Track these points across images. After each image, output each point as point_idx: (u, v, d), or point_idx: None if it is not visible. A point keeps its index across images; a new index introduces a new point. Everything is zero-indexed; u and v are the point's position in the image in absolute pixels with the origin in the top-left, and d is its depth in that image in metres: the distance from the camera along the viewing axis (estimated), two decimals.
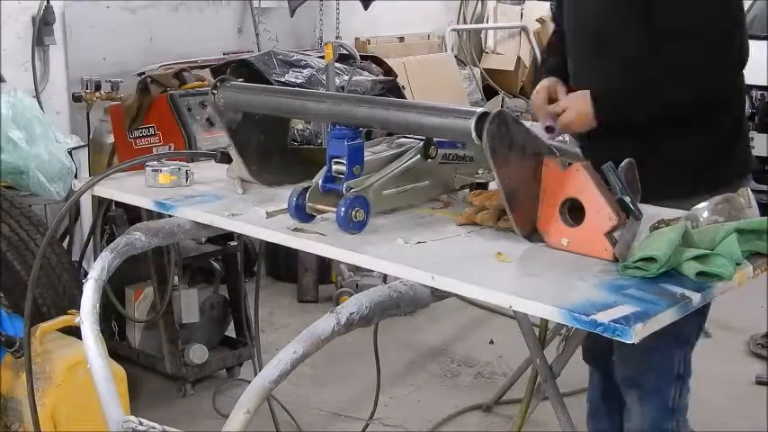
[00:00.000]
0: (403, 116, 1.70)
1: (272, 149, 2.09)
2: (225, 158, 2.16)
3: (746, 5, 7.44)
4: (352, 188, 1.71)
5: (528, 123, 1.94)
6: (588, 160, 1.64)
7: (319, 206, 1.74)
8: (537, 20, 8.44)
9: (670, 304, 1.35)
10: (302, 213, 1.74)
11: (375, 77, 3.66)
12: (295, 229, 1.73)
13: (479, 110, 1.55)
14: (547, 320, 2.61)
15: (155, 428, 1.55)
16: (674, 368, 2.17)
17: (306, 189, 1.74)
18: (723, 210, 1.61)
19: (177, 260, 3.41)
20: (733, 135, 2.17)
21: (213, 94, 2.00)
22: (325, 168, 1.77)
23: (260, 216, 1.82)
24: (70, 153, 3.83)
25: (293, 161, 2.12)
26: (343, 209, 1.66)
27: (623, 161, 1.59)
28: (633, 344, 2.13)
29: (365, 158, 1.77)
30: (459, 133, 1.61)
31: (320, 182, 1.75)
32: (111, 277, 1.90)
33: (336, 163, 1.75)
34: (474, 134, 1.56)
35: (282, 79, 3.32)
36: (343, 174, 1.74)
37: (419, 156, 1.83)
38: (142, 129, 3.54)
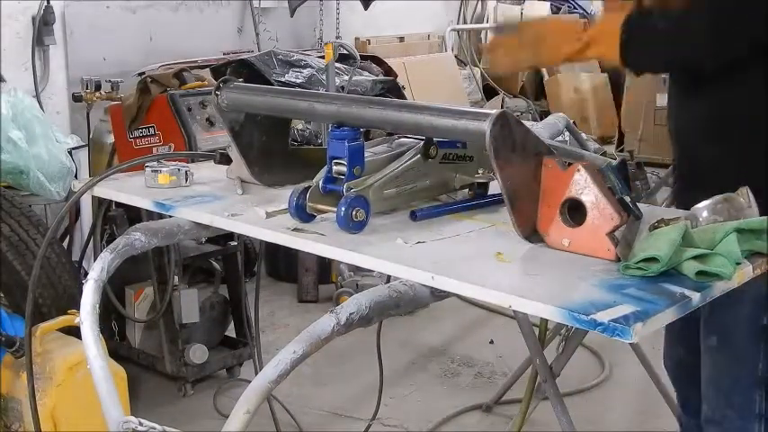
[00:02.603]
0: (415, 118, 1.69)
1: (273, 150, 2.08)
2: (224, 159, 2.16)
3: None
4: (352, 188, 1.71)
5: (528, 124, 1.95)
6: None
7: (320, 206, 1.74)
8: None
9: (670, 304, 1.35)
10: (303, 213, 1.74)
11: (375, 77, 3.66)
12: (295, 230, 1.73)
13: (495, 111, 1.55)
14: (547, 320, 2.61)
15: (155, 429, 1.55)
16: (756, 407, 2.06)
17: (306, 189, 1.74)
18: (723, 209, 1.61)
19: (177, 260, 3.41)
20: None
21: (217, 95, 1.99)
22: (325, 169, 1.77)
23: (260, 216, 1.82)
24: (70, 153, 3.84)
25: (294, 161, 2.11)
26: (343, 209, 1.66)
27: (617, 160, 1.59)
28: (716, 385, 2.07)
29: (365, 159, 1.77)
30: (474, 136, 1.61)
31: (321, 182, 1.75)
32: (112, 277, 1.90)
33: (337, 164, 1.75)
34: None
35: (282, 79, 3.33)
36: (343, 174, 1.74)
37: (419, 156, 1.83)
38: (142, 129, 3.54)
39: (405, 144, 1.89)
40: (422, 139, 1.85)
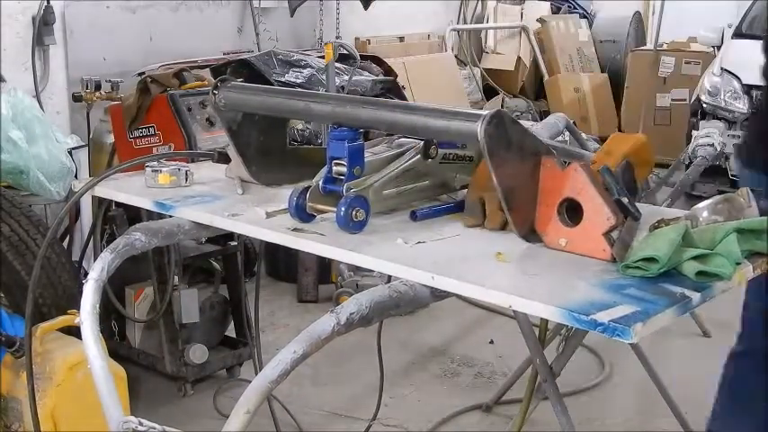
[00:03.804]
0: (408, 119, 1.69)
1: (271, 149, 2.09)
2: (223, 158, 2.16)
3: (746, 6, 7.45)
4: (352, 189, 1.71)
5: (528, 124, 1.95)
6: None
7: (320, 206, 1.74)
8: (537, 20, 8.45)
9: (670, 304, 1.35)
10: (303, 213, 1.74)
11: (375, 77, 3.66)
12: (295, 230, 1.73)
13: (487, 113, 1.54)
14: (547, 320, 2.61)
15: (154, 428, 1.55)
16: None
17: (306, 189, 1.75)
18: (723, 209, 1.61)
19: (177, 260, 3.41)
20: None
21: (214, 94, 1.99)
22: (325, 169, 1.77)
23: (260, 216, 1.82)
24: (70, 153, 3.84)
25: (292, 161, 2.12)
26: (343, 209, 1.66)
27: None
28: None
29: (365, 159, 1.77)
30: (467, 136, 1.61)
31: (320, 183, 1.76)
32: (112, 277, 1.90)
33: (337, 164, 1.75)
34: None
35: (282, 79, 3.32)
36: (343, 175, 1.74)
37: (419, 156, 1.83)
38: (142, 129, 3.54)
39: (405, 144, 1.89)
40: (422, 139, 1.85)
